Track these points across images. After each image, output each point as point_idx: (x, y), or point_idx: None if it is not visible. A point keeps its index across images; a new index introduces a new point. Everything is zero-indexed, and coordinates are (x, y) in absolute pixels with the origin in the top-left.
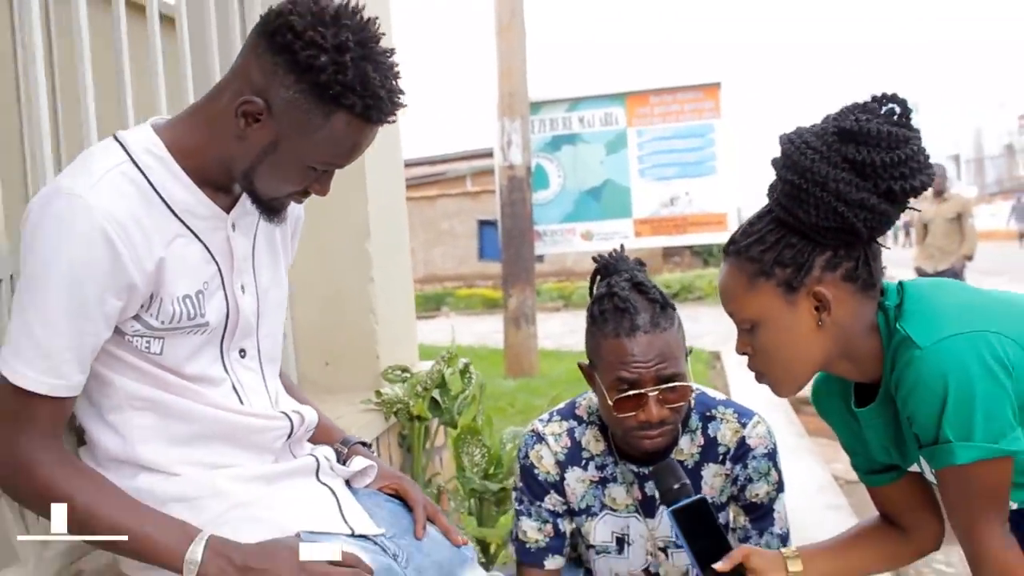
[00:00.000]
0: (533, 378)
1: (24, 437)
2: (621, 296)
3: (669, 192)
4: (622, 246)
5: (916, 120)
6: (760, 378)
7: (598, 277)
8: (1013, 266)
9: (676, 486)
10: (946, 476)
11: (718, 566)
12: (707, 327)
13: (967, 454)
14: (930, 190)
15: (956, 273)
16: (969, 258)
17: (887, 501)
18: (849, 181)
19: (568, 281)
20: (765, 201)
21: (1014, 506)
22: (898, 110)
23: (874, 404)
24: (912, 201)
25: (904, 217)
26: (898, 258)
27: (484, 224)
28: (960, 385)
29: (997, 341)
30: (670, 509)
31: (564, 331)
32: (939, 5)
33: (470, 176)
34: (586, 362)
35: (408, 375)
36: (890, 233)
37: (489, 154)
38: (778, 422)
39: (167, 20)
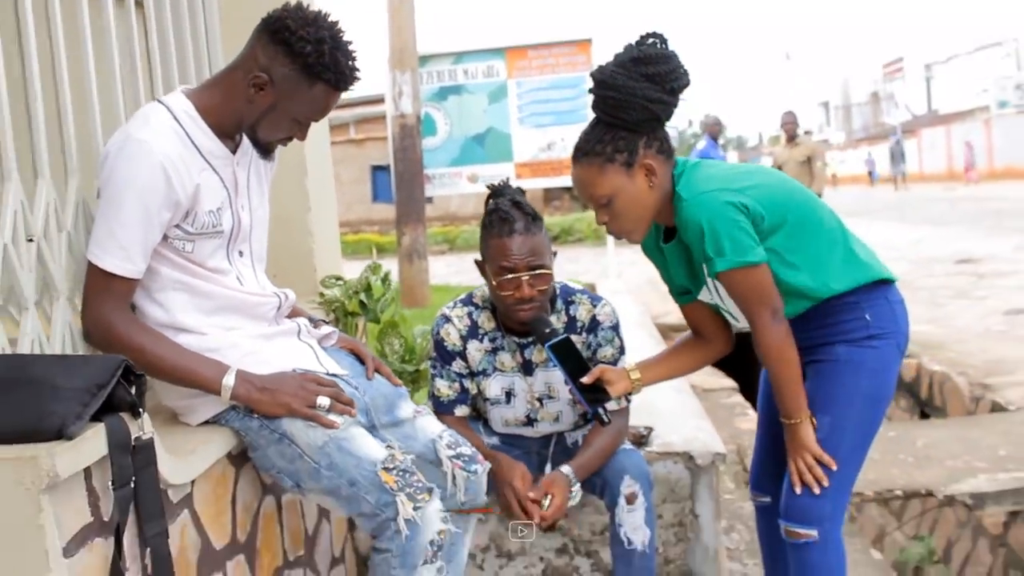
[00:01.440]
0: (426, 308)
1: (107, 307)
2: (504, 210)
3: (546, 138)
4: (507, 178)
5: (787, 69)
6: (619, 236)
7: (489, 199)
8: (870, 208)
9: (548, 330)
10: (722, 282)
11: (584, 380)
12: (586, 266)
13: (722, 263)
14: (783, 135)
15: None
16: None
17: (692, 317)
18: (647, 87)
19: (452, 225)
20: None
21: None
22: (659, 41)
23: (674, 241)
24: (767, 146)
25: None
26: None
27: (377, 169)
28: (710, 221)
29: (734, 194)
30: (547, 344)
31: (450, 271)
32: None
33: (353, 124)
34: (479, 259)
35: (342, 282)
36: None
37: (371, 102)
38: (643, 338)
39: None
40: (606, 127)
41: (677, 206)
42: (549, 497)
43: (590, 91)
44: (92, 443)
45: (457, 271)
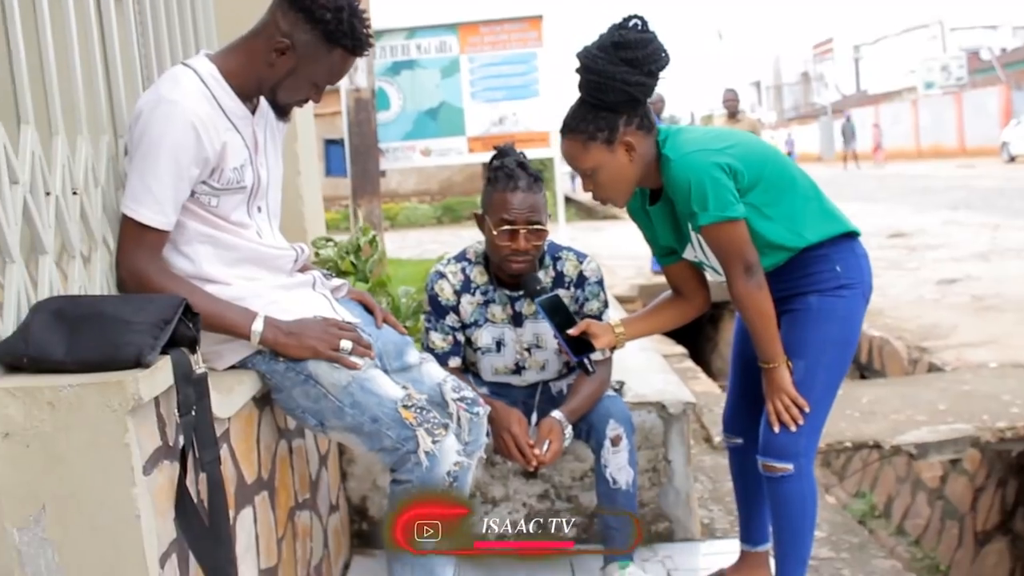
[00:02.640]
0: (383, 278)
1: (141, 257)
2: (508, 167)
3: (498, 113)
4: (513, 142)
5: (720, 48)
6: (604, 202)
7: (494, 159)
8: None
9: (538, 287)
10: (704, 236)
11: (571, 332)
12: None
13: (705, 218)
14: (724, 112)
15: None
16: None
17: (673, 276)
18: (626, 71)
19: (393, 203)
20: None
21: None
22: (640, 22)
23: (660, 202)
24: (699, 123)
25: None
26: None
27: (330, 143)
28: (695, 178)
29: (716, 154)
30: (537, 300)
31: (394, 247)
32: None
33: None
34: (479, 212)
35: (333, 243)
36: None
37: None
38: None
39: None
40: (589, 106)
41: (664, 167)
42: (547, 442)
43: (576, 71)
44: (162, 373)
45: (401, 247)
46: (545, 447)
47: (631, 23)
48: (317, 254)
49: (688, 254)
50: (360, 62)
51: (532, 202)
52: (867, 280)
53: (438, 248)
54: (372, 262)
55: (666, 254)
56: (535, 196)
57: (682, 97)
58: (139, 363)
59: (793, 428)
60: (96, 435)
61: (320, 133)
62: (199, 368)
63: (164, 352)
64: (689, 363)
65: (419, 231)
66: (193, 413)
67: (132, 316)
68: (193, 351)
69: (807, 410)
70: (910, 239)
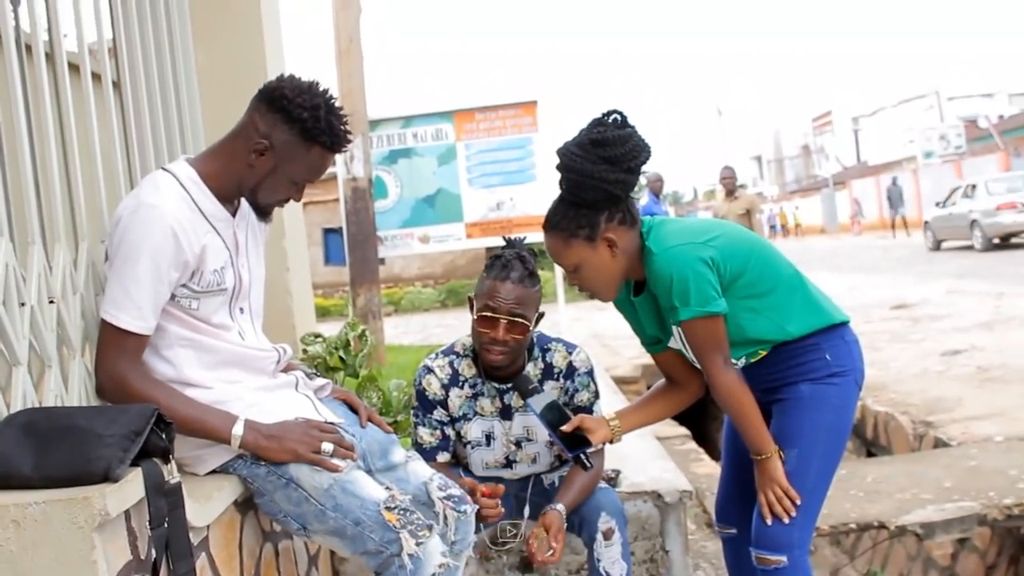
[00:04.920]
0: (383, 367)
1: (121, 362)
2: (507, 257)
3: (495, 198)
4: (523, 237)
5: (720, 124)
6: (591, 296)
7: (503, 249)
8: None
9: (530, 387)
10: (683, 330)
11: (565, 428)
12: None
13: (686, 313)
14: (722, 190)
15: None
16: None
17: (664, 364)
18: (605, 169)
19: (397, 287)
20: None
21: (741, 363)
22: (619, 118)
23: (644, 293)
24: (703, 200)
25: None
26: None
27: (328, 232)
28: (678, 272)
29: (700, 248)
30: (527, 401)
31: (397, 332)
32: (738, 20)
33: None
34: (472, 295)
35: (322, 339)
36: None
37: None
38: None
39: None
40: (569, 204)
41: (647, 260)
42: (552, 545)
43: (556, 168)
44: (133, 485)
45: (404, 332)
46: (548, 550)
47: (610, 119)
48: (305, 351)
49: (673, 344)
50: (357, 152)
51: (520, 295)
52: (859, 366)
53: (442, 332)
54: (362, 357)
55: (653, 343)
56: (526, 290)
57: (684, 174)
58: (108, 477)
59: (786, 520)
60: (62, 553)
61: (319, 222)
62: (173, 478)
63: (136, 463)
64: (691, 444)
65: (423, 315)
66: (166, 525)
67: (103, 429)
68: (166, 461)
69: (799, 502)
70: (913, 310)
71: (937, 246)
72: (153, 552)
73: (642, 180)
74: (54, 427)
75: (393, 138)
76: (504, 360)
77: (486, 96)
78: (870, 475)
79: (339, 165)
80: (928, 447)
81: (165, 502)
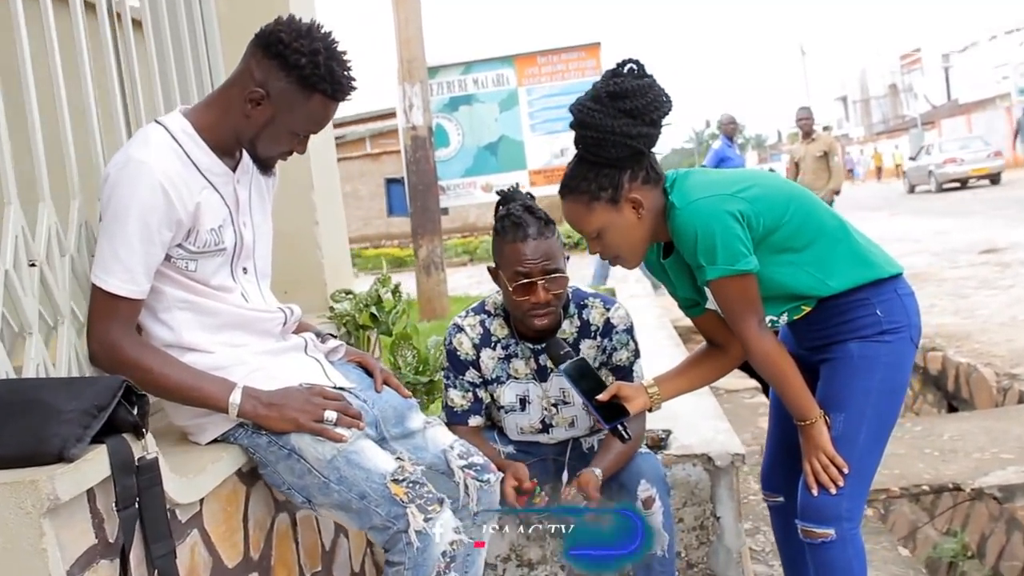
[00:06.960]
0: (444, 319)
1: (113, 328)
2: (516, 215)
3: (559, 144)
4: (517, 183)
5: (803, 64)
6: (614, 262)
7: (500, 205)
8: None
9: (563, 352)
10: (712, 290)
11: (600, 397)
12: None
13: (713, 272)
14: (800, 131)
15: None
16: (836, 192)
17: (704, 327)
18: (626, 123)
19: (472, 236)
20: None
21: (784, 319)
22: (636, 67)
23: (673, 255)
24: (786, 143)
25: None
26: None
27: (391, 182)
28: (703, 227)
29: (727, 200)
30: (561, 368)
31: (471, 283)
32: None
33: (369, 138)
34: (493, 265)
35: (352, 295)
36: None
37: (386, 115)
38: (662, 341)
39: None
40: (589, 164)
41: (670, 215)
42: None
43: (571, 126)
44: (94, 465)
45: (478, 282)
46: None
47: (626, 69)
48: (332, 309)
49: (711, 305)
50: (416, 100)
51: (545, 248)
52: (914, 322)
53: None
54: (395, 313)
55: (690, 306)
56: (548, 242)
57: (768, 116)
58: (62, 457)
59: (833, 490)
60: (9, 540)
61: (381, 172)
62: (148, 454)
63: (102, 440)
64: (761, 398)
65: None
66: (136, 505)
67: (64, 404)
68: (139, 436)
69: (846, 470)
70: (1003, 255)
71: (912, 189)
72: (122, 535)
73: (714, 124)
74: (15, 401)
75: (453, 85)
76: (552, 321)
77: (548, 39)
78: (947, 432)
79: (399, 114)
80: (1012, 402)
81: (136, 481)
